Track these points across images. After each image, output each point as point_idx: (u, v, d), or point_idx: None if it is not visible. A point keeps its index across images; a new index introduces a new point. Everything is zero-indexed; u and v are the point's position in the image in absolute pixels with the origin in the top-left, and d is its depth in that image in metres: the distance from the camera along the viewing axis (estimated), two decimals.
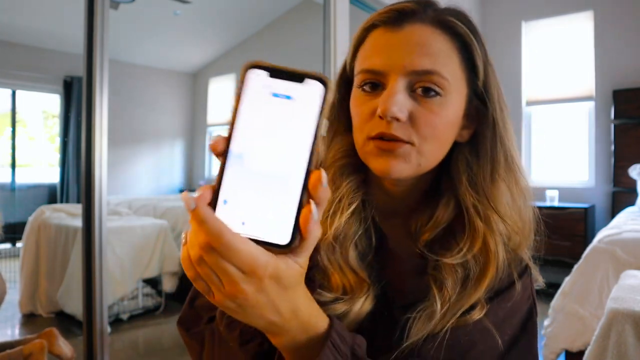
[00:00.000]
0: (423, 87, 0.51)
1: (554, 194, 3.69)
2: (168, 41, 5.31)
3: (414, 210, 0.59)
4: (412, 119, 0.51)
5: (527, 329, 0.58)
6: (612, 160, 3.58)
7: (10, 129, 4.86)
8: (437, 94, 0.51)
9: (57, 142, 5.26)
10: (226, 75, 6.03)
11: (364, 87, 0.54)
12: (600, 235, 2.27)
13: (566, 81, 3.91)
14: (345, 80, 0.60)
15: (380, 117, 0.51)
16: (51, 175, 5.11)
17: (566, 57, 3.91)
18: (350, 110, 0.56)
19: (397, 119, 0.51)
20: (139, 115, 5.64)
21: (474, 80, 0.55)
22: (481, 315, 0.53)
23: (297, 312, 0.39)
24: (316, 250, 0.54)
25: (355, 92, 0.55)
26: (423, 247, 0.56)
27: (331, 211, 0.56)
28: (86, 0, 1.66)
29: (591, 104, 3.80)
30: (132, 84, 5.52)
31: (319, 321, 0.42)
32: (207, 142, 6.32)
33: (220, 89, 6.17)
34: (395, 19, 0.52)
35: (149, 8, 4.36)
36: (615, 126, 3.57)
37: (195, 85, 6.46)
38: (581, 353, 1.96)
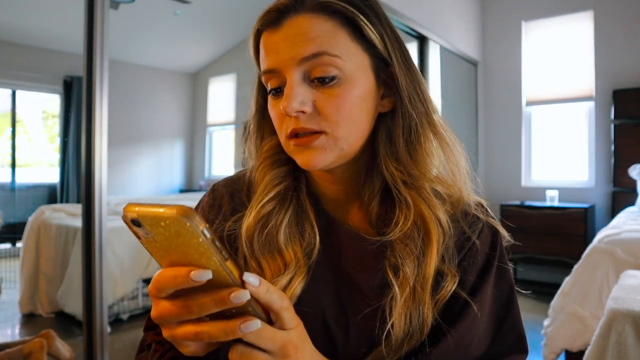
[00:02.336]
0: (318, 76, 0.52)
1: (554, 194, 3.69)
2: (168, 41, 5.31)
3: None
4: (317, 108, 0.52)
5: (513, 300, 0.58)
6: (612, 160, 3.58)
7: (10, 129, 4.86)
8: (334, 77, 0.52)
9: (57, 142, 5.26)
10: (226, 75, 6.03)
11: (272, 93, 0.55)
12: (600, 235, 2.27)
13: (566, 81, 3.91)
14: (263, 86, 0.61)
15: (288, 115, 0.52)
16: (51, 175, 5.11)
17: (566, 57, 3.90)
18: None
19: (302, 112, 0.51)
20: (139, 115, 5.64)
21: (373, 48, 0.54)
22: (454, 285, 0.53)
23: None
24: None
25: (268, 99, 0.56)
26: (374, 227, 0.57)
27: (253, 204, 0.58)
28: (86, 0, 1.66)
29: (591, 104, 3.79)
30: (132, 84, 5.52)
31: None
32: (207, 142, 6.32)
33: (220, 89, 6.17)
34: (275, 18, 0.53)
35: (149, 8, 4.36)
36: (615, 126, 3.57)
37: (195, 85, 6.46)
38: (581, 353, 1.96)
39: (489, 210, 0.61)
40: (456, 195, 0.58)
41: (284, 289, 0.54)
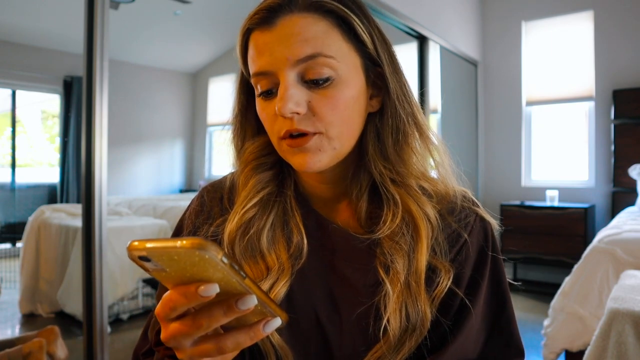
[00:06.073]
0: (313, 78, 0.51)
1: (554, 194, 3.69)
2: (168, 41, 5.31)
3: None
4: (312, 109, 0.52)
5: (507, 298, 0.58)
6: (612, 160, 3.58)
7: (10, 129, 4.86)
8: (329, 78, 0.51)
9: (57, 142, 5.26)
10: (226, 75, 6.03)
11: (262, 95, 0.54)
12: (600, 235, 2.27)
13: (566, 81, 3.91)
14: (246, 85, 0.60)
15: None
16: (51, 175, 5.11)
17: (566, 57, 3.90)
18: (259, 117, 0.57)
19: (297, 113, 0.51)
20: (139, 115, 5.64)
21: (364, 48, 0.55)
22: (449, 281, 0.54)
23: None
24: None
25: (257, 100, 0.56)
26: (364, 226, 0.58)
27: (237, 210, 0.58)
28: (86, 0, 1.66)
29: (591, 104, 3.80)
30: (132, 84, 5.52)
31: None
32: (207, 142, 6.33)
33: (220, 89, 6.17)
34: (266, 18, 0.52)
35: (149, 8, 4.36)
36: (615, 126, 3.57)
37: (195, 85, 6.46)
38: (581, 353, 1.96)
39: (474, 199, 0.61)
40: (442, 191, 0.59)
41: (270, 290, 0.54)
